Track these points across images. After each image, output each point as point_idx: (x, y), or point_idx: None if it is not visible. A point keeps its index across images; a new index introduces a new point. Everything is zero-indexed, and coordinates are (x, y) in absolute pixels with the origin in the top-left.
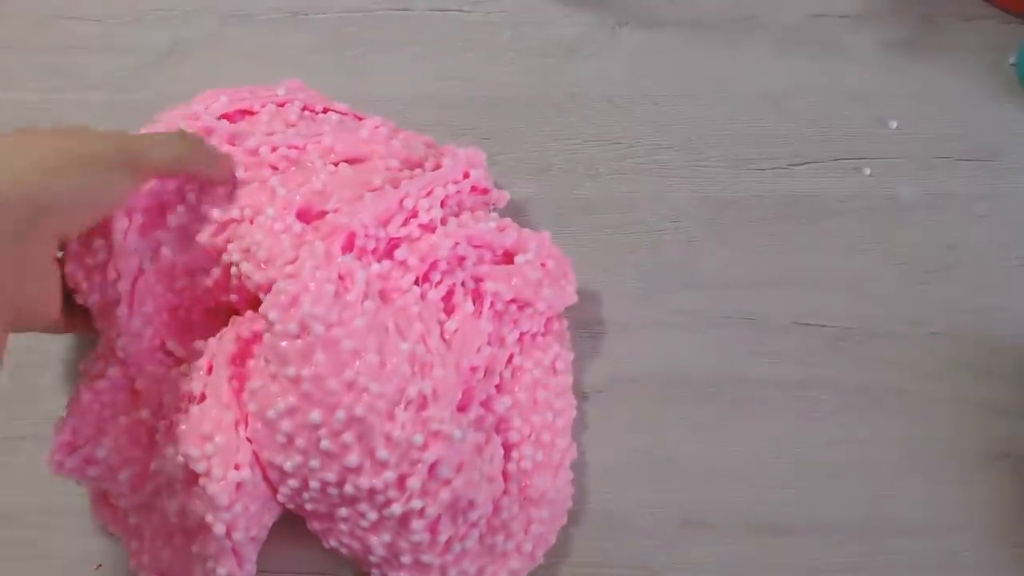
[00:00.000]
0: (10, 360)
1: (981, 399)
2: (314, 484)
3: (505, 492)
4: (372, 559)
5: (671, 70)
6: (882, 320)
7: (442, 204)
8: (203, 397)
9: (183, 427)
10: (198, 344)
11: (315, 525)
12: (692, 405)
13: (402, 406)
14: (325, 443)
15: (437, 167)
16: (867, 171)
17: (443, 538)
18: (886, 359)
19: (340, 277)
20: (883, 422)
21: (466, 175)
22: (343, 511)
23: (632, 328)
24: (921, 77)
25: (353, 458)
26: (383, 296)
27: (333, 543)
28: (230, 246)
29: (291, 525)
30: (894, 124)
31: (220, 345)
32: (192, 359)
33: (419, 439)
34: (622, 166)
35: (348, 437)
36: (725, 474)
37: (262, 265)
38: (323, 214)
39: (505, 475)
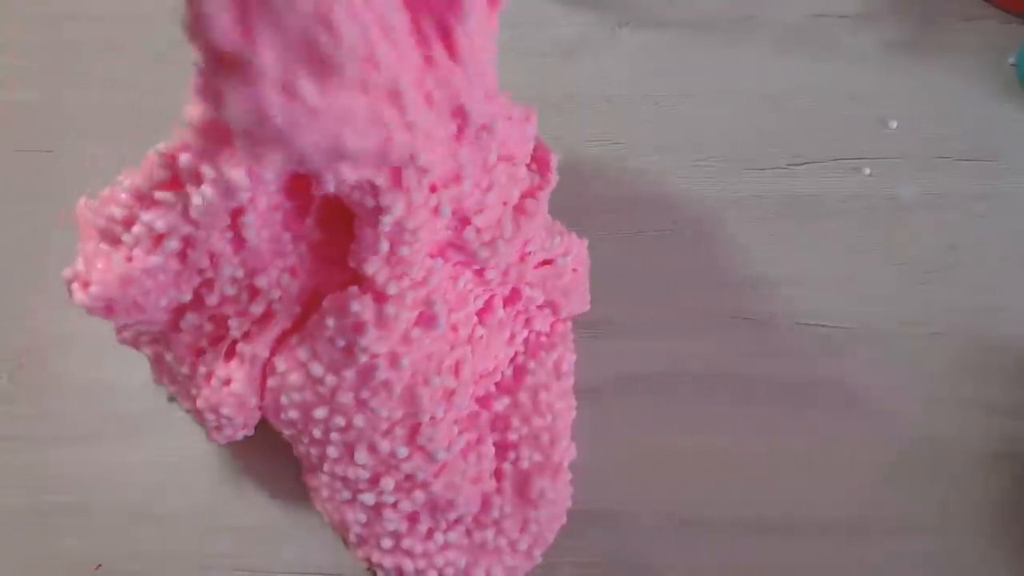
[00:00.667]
0: (10, 360)
1: (982, 399)
2: (300, 448)
3: (498, 491)
4: (351, 538)
5: (671, 70)
6: (882, 320)
7: None
8: (232, 352)
9: (203, 375)
10: (260, 281)
11: (305, 478)
12: (692, 405)
13: (403, 426)
14: (316, 432)
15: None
16: (867, 171)
17: (423, 528)
18: (886, 359)
19: (419, 319)
20: (883, 422)
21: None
22: (324, 478)
23: (632, 328)
24: (921, 77)
25: (332, 450)
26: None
27: (319, 507)
28: (380, 178)
29: (294, 527)
30: (894, 124)
31: (284, 309)
32: (252, 265)
33: (403, 451)
34: (622, 166)
35: (336, 436)
36: (724, 474)
37: (391, 260)
38: (467, 224)
39: (500, 473)
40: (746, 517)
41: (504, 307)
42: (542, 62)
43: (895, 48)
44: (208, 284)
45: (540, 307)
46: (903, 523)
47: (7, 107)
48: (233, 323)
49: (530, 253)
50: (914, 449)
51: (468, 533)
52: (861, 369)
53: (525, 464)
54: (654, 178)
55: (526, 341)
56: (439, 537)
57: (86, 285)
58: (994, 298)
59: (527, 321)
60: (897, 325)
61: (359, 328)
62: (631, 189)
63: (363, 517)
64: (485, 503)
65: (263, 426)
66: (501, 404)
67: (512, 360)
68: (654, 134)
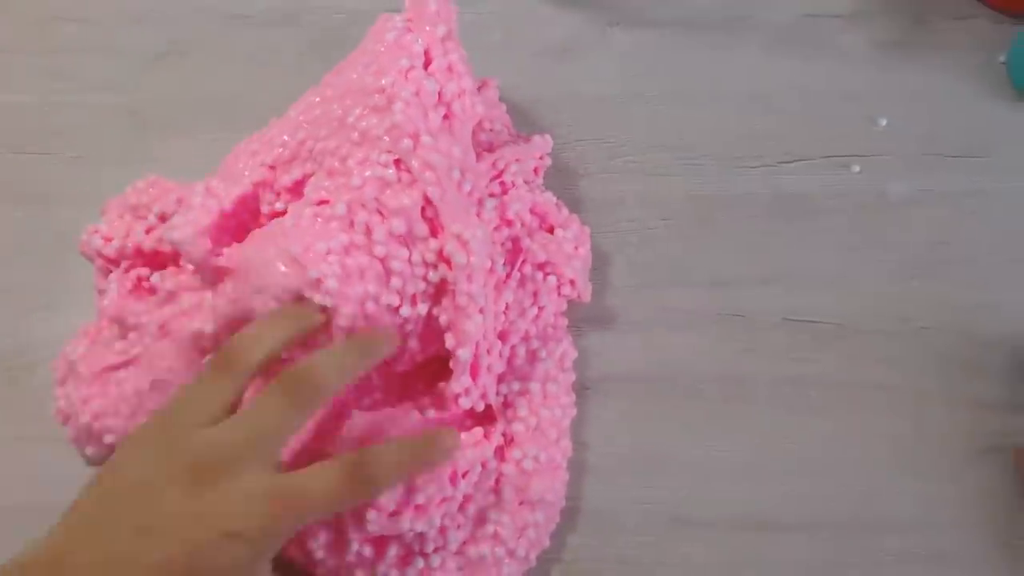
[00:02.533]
0: (10, 360)
1: (971, 395)
2: None
3: (496, 504)
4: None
5: (662, 69)
6: (872, 317)
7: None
8: None
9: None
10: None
11: None
12: (683, 402)
13: None
14: None
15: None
16: (857, 169)
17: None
18: (876, 355)
19: None
20: (873, 418)
21: (541, 157)
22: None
23: (623, 326)
24: (912, 76)
25: None
26: None
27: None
28: None
29: None
30: (884, 122)
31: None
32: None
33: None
34: (613, 165)
35: None
36: (716, 471)
37: None
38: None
39: (499, 478)
40: (737, 514)
41: (505, 264)
42: (534, 61)
43: (886, 47)
44: None
45: (546, 275)
46: (894, 519)
47: (5, 108)
48: None
49: (513, 185)
50: (905, 445)
51: (462, 553)
52: (851, 365)
53: (529, 465)
54: (645, 176)
55: (536, 321)
56: (435, 560)
57: None
58: (984, 294)
59: (535, 294)
60: (887, 321)
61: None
62: (621, 187)
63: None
64: (480, 519)
65: None
66: (511, 388)
67: (526, 341)
68: (645, 132)
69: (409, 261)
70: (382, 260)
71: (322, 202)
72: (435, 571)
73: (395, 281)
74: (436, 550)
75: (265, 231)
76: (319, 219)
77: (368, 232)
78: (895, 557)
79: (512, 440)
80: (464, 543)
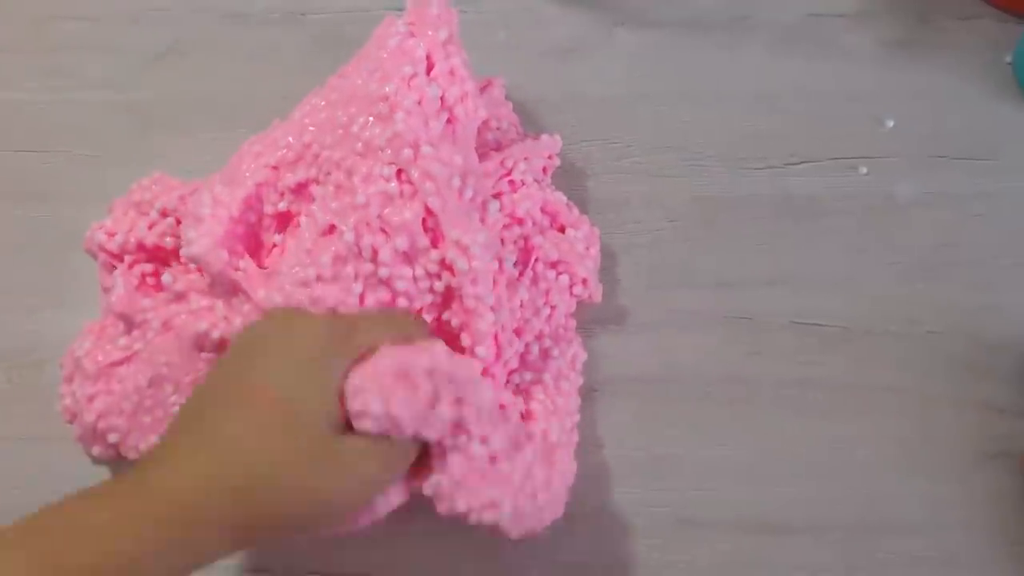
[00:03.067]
0: (10, 360)
1: (978, 398)
2: None
3: (530, 438)
4: None
5: (668, 70)
6: (879, 319)
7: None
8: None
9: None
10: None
11: None
12: (689, 404)
13: None
14: None
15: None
16: (863, 170)
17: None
18: (883, 358)
19: None
20: (880, 421)
21: (550, 156)
22: None
23: (629, 327)
24: (918, 76)
25: None
26: None
27: None
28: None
29: None
30: (891, 123)
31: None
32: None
33: None
34: (619, 165)
35: None
36: (722, 473)
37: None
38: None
39: (530, 434)
40: (743, 516)
41: (517, 263)
42: (539, 62)
43: (891, 47)
44: None
45: (559, 273)
46: (901, 522)
47: (4, 107)
48: None
49: (523, 183)
50: (911, 448)
51: (494, 460)
52: (858, 368)
53: (554, 436)
54: (650, 177)
55: (549, 320)
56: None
57: None
58: (990, 297)
59: (547, 294)
60: (893, 324)
61: None
62: (627, 188)
63: None
64: (518, 444)
65: None
66: (523, 378)
67: (539, 340)
68: (651, 133)
69: (413, 278)
70: (386, 282)
71: (331, 228)
72: (461, 453)
73: (401, 301)
74: (484, 440)
75: (288, 274)
76: (337, 262)
77: (374, 255)
78: (902, 560)
79: (532, 415)
80: (494, 460)
